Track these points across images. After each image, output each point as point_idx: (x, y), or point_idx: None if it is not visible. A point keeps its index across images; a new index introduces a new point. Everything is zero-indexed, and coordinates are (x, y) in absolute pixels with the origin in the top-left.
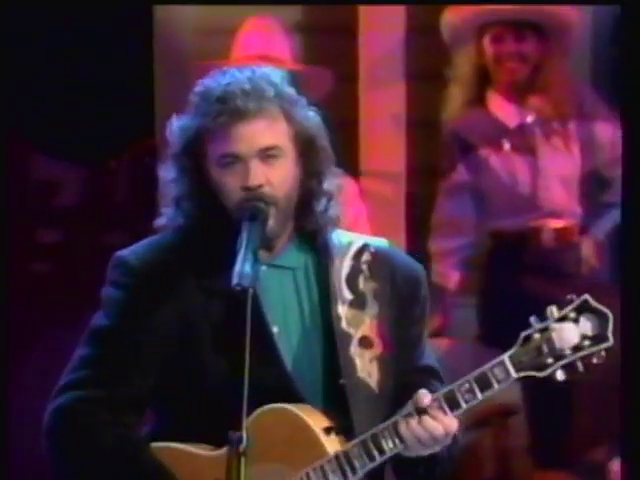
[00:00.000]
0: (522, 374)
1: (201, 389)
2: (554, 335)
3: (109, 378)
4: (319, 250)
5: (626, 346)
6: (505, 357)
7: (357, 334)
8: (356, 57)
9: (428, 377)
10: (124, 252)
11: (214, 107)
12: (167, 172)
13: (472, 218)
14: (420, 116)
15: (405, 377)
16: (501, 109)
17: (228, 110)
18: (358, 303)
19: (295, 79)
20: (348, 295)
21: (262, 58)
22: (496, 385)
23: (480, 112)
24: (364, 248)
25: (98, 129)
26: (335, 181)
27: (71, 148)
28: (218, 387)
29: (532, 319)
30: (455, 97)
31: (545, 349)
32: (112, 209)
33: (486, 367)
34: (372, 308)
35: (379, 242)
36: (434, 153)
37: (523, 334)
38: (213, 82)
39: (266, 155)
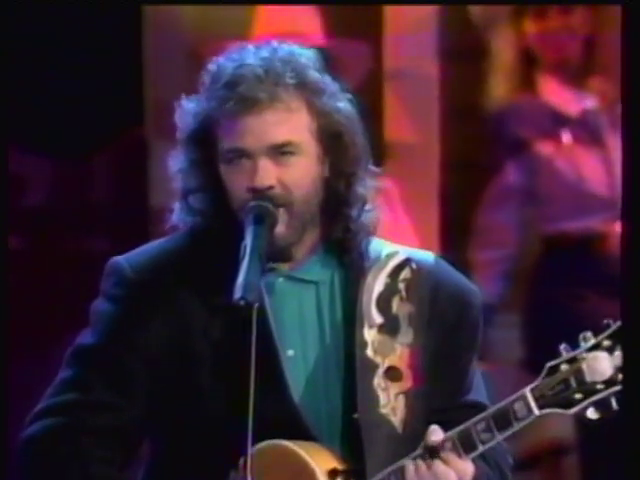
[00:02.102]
0: (546, 411)
1: (198, 419)
2: (584, 366)
3: (91, 404)
4: (349, 263)
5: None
6: (527, 391)
7: (384, 364)
8: (380, 34)
9: (474, 415)
10: (119, 259)
11: (221, 92)
12: (175, 161)
13: (520, 227)
14: (455, 102)
15: (446, 415)
16: (556, 95)
17: (235, 98)
18: (389, 328)
19: (327, 58)
20: (378, 318)
21: (288, 35)
22: (516, 424)
23: (530, 100)
24: (405, 263)
25: (77, 118)
26: (371, 183)
27: (46, 140)
28: (217, 418)
29: (562, 347)
30: (499, 87)
31: (573, 383)
32: (94, 210)
33: (506, 402)
34: (405, 335)
35: (424, 256)
36: (472, 145)
37: (549, 364)
38: (227, 61)
39: (278, 152)
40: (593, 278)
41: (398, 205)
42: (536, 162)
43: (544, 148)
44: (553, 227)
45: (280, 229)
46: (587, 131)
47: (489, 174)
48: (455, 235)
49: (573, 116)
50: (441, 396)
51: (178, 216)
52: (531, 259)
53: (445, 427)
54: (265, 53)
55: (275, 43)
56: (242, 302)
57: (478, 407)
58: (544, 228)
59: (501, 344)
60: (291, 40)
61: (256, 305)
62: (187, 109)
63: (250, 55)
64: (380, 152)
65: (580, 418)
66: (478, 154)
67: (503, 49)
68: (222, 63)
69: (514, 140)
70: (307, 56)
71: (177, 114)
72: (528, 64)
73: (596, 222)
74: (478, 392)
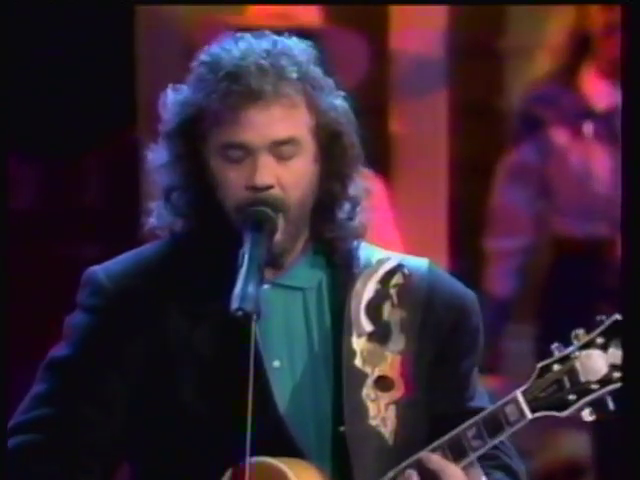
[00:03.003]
0: (539, 414)
1: (180, 435)
2: (577, 365)
3: (65, 421)
4: (338, 267)
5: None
6: (518, 393)
7: (374, 373)
8: (385, 26)
9: None
10: (96, 268)
11: (222, 84)
12: (157, 155)
13: (534, 211)
14: (466, 100)
15: (450, 422)
16: (592, 86)
17: (239, 90)
18: (379, 336)
19: (321, 47)
20: (367, 326)
21: (280, 16)
22: (508, 428)
23: (565, 86)
24: (397, 269)
25: (65, 118)
26: (362, 184)
27: (33, 141)
28: (200, 433)
29: (554, 346)
30: (538, 68)
31: (566, 383)
32: (84, 214)
33: (496, 406)
34: (396, 342)
35: (418, 262)
36: (484, 146)
37: (540, 364)
38: (223, 51)
39: (280, 149)
40: (604, 287)
41: (386, 206)
42: (550, 146)
43: (561, 134)
44: (560, 224)
45: (277, 238)
46: (608, 129)
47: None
48: (464, 242)
49: (599, 111)
50: (443, 403)
51: (158, 217)
52: (544, 259)
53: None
54: (266, 45)
55: (272, 35)
56: (240, 313)
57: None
58: (555, 227)
59: (514, 356)
60: (281, 22)
61: (255, 316)
62: (174, 100)
63: (251, 45)
64: (383, 150)
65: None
66: (491, 157)
67: (556, 31)
68: (217, 53)
69: (534, 119)
70: (306, 50)
71: (161, 104)
72: (579, 52)
73: (602, 228)
74: (483, 399)
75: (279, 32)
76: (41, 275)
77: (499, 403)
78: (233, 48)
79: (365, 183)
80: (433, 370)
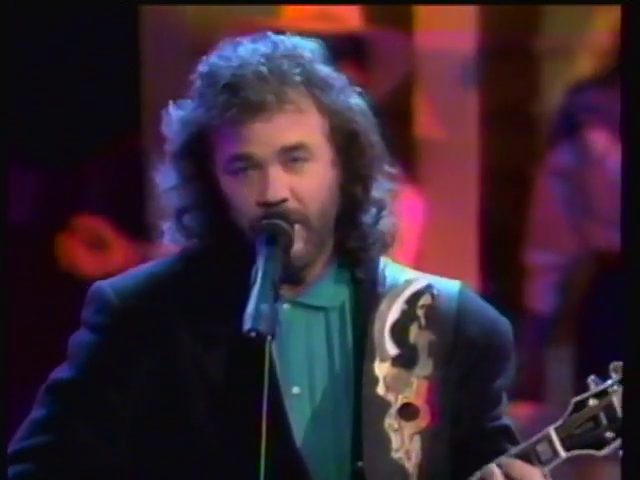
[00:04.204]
0: (574, 452)
1: (189, 468)
2: (615, 400)
3: (67, 447)
4: (363, 285)
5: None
6: (551, 430)
7: (398, 401)
8: (409, 22)
9: (502, 441)
10: (102, 284)
11: (221, 97)
12: (165, 176)
13: (575, 218)
14: (499, 103)
15: (473, 443)
16: None
17: (239, 102)
18: (405, 360)
19: (364, 47)
20: (392, 349)
21: (319, 18)
22: (540, 467)
23: (610, 91)
24: (425, 289)
25: (65, 124)
26: (387, 186)
27: (31, 148)
28: (211, 462)
29: (590, 379)
30: (578, 71)
31: (603, 419)
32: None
33: (528, 443)
34: (423, 367)
35: (448, 284)
36: (518, 153)
37: (575, 399)
38: (221, 60)
39: (290, 158)
40: None
41: (414, 213)
42: (589, 149)
43: (600, 139)
44: (601, 237)
45: (298, 247)
46: None
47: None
48: (497, 259)
49: None
50: (465, 425)
51: (171, 238)
52: (585, 275)
53: (472, 456)
54: (265, 49)
55: (273, 36)
56: (253, 334)
57: (507, 431)
58: (597, 240)
59: (553, 381)
60: (320, 24)
61: (269, 338)
62: (176, 117)
63: (248, 52)
64: (408, 157)
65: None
66: (525, 165)
67: (599, 33)
68: (215, 63)
69: (575, 121)
70: (311, 49)
71: (164, 123)
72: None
73: None
74: (508, 419)
75: (319, 35)
76: (41, 290)
77: (531, 440)
78: (232, 56)
79: (391, 185)
80: (460, 392)
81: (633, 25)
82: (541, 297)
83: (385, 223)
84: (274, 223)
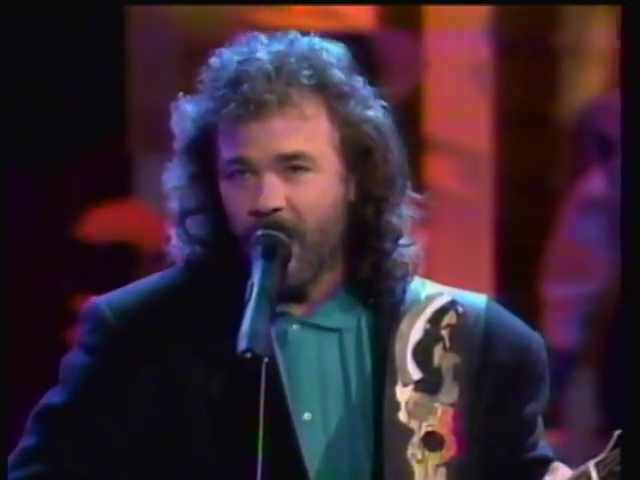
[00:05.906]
0: None
1: None
2: None
3: (61, 478)
4: (380, 305)
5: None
6: (591, 466)
7: (421, 429)
8: (419, 22)
9: (541, 473)
10: (99, 301)
11: (221, 92)
12: (172, 175)
13: (604, 251)
14: (516, 106)
15: (507, 476)
16: None
17: (238, 99)
18: (429, 384)
19: (371, 49)
20: (415, 373)
21: (324, 14)
22: None
23: None
24: (449, 306)
25: (48, 128)
26: (408, 212)
27: (12, 153)
28: None
29: None
30: (600, 72)
31: None
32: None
33: (567, 479)
34: (449, 393)
35: (474, 298)
36: (535, 161)
37: (617, 432)
38: (231, 54)
39: (288, 167)
40: None
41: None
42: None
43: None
44: None
45: (293, 265)
46: None
47: (557, 193)
48: (514, 272)
49: None
50: (499, 456)
51: (174, 245)
52: (612, 308)
53: None
54: (279, 46)
55: (293, 34)
56: (248, 355)
57: (546, 463)
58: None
59: (574, 407)
60: (327, 22)
61: (266, 359)
62: (185, 112)
63: (260, 47)
64: (418, 165)
65: None
66: (543, 174)
67: (604, 36)
68: (227, 56)
69: (608, 145)
70: (332, 52)
71: (174, 118)
72: None
73: None
74: (546, 446)
75: (324, 34)
76: (30, 308)
77: (569, 477)
78: (242, 50)
79: (412, 211)
80: (490, 419)
81: (633, 25)
82: (563, 331)
83: (403, 253)
84: (270, 235)
